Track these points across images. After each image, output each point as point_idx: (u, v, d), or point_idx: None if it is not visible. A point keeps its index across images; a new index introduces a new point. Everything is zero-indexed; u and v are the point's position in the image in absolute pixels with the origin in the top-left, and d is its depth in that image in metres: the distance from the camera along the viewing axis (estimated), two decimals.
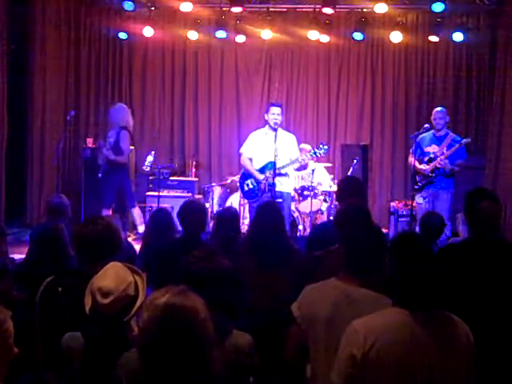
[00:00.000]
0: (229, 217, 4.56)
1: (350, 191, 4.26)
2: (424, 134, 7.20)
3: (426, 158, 7.12)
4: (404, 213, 8.40)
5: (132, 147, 9.03)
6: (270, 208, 4.11)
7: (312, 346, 2.65)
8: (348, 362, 2.20)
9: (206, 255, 2.50)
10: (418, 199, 7.15)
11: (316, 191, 7.95)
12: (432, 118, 7.27)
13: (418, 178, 7.15)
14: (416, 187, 7.14)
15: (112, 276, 2.36)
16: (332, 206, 8.07)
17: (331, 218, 7.53)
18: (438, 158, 6.99)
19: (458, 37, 8.50)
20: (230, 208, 5.86)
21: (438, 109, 7.37)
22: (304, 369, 2.72)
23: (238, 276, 3.50)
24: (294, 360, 2.79)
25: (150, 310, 1.77)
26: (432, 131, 7.20)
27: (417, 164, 7.11)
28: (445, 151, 7.03)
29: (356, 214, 3.42)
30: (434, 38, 8.66)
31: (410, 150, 7.38)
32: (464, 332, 2.28)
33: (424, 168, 7.08)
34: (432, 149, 7.11)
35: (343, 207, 3.84)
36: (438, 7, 8.02)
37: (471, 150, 7.99)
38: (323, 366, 2.56)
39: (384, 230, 8.52)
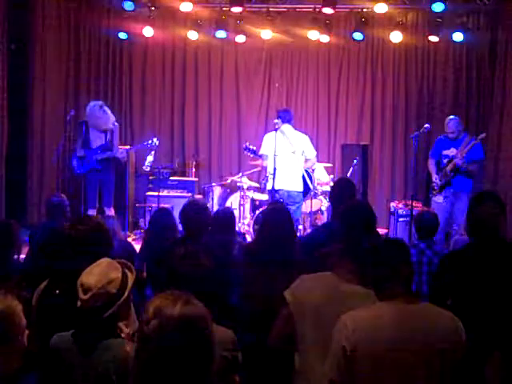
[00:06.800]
0: (225, 217, 4.55)
1: (343, 192, 4.32)
2: (441, 137, 7.32)
3: (445, 161, 7.16)
4: (404, 213, 8.39)
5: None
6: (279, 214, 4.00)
7: (299, 335, 2.68)
8: (339, 354, 2.25)
9: (189, 254, 2.50)
10: (438, 198, 7.16)
11: (316, 191, 7.94)
12: (446, 128, 7.24)
13: (437, 178, 7.17)
14: (436, 187, 7.17)
15: (96, 272, 2.43)
16: None
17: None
18: (456, 159, 6.99)
19: (457, 37, 8.50)
20: (227, 208, 5.85)
21: (451, 117, 7.33)
22: (287, 354, 2.76)
23: (228, 276, 3.50)
24: (276, 343, 2.81)
25: (162, 319, 1.72)
26: (448, 135, 7.26)
27: (433, 170, 7.24)
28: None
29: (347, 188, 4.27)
30: (433, 38, 8.66)
31: (429, 154, 7.49)
32: (454, 326, 2.31)
33: (434, 179, 7.18)
34: (451, 152, 7.13)
35: (336, 183, 4.68)
36: (438, 7, 8.02)
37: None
38: (310, 356, 2.61)
39: (384, 231, 8.61)
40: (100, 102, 7.49)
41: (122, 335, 2.45)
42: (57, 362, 2.43)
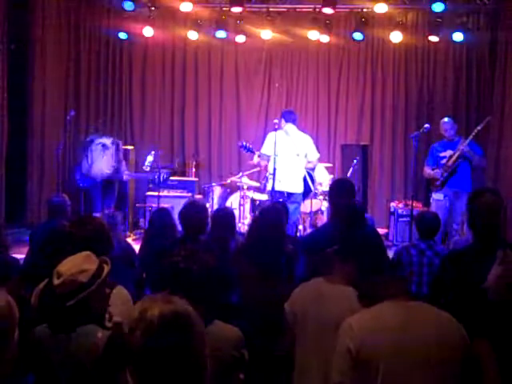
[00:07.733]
0: (224, 216, 4.55)
1: (340, 191, 4.34)
2: (435, 144, 7.32)
3: (443, 161, 7.08)
4: (404, 213, 8.40)
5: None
6: (271, 212, 4.03)
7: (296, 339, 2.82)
8: (345, 356, 2.24)
9: (189, 254, 2.51)
10: (438, 196, 7.05)
11: (316, 191, 7.94)
12: (441, 130, 7.24)
13: (438, 173, 7.07)
14: (437, 183, 7.07)
15: (71, 262, 2.52)
16: None
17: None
18: (460, 146, 6.93)
19: (457, 37, 8.50)
20: (226, 208, 5.85)
21: (445, 120, 7.32)
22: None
23: (229, 275, 3.51)
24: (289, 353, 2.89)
25: (145, 323, 1.65)
26: (443, 140, 7.25)
27: (431, 172, 7.15)
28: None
29: (342, 187, 4.38)
30: (434, 38, 8.66)
31: (425, 162, 7.40)
32: (455, 326, 2.32)
33: (437, 171, 7.09)
34: (448, 154, 7.07)
35: (334, 181, 4.89)
36: (438, 7, 8.02)
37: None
38: (297, 358, 2.78)
39: (384, 231, 8.59)
40: (104, 141, 7.53)
41: (108, 324, 2.46)
42: (38, 353, 2.48)
